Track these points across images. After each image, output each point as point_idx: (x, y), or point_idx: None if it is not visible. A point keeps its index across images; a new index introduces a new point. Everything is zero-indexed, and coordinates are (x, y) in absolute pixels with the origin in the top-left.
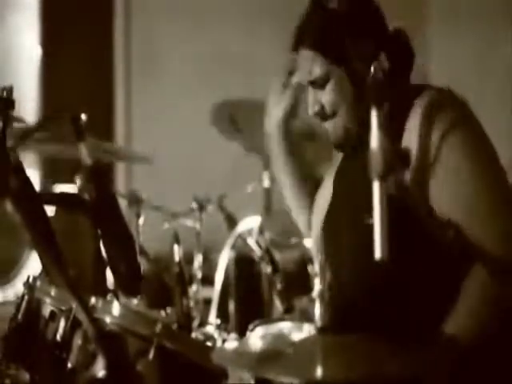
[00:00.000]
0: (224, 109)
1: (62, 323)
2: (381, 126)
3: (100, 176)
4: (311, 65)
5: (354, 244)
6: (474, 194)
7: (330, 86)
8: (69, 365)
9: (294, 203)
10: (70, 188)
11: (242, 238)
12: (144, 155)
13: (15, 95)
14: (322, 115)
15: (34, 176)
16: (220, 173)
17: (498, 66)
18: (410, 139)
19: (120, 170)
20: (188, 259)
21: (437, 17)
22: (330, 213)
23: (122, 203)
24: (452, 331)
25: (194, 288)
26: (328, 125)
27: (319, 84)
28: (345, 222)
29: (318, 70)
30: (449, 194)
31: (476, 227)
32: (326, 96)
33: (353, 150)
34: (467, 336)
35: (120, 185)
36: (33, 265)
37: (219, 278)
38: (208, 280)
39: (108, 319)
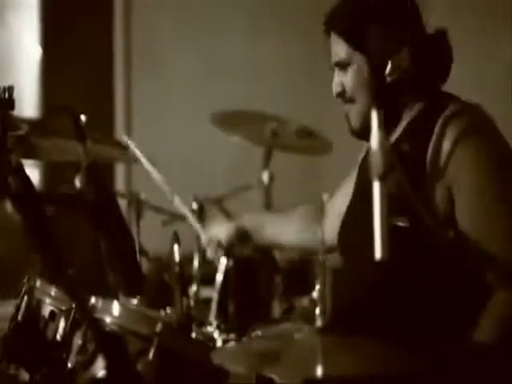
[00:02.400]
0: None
1: (62, 323)
2: (381, 125)
3: (99, 176)
4: (336, 47)
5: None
6: (484, 200)
7: (350, 71)
8: (69, 365)
9: None
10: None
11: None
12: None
13: (15, 95)
14: (343, 97)
15: (34, 176)
16: (220, 173)
17: (499, 64)
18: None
19: (120, 169)
20: (188, 259)
21: (437, 15)
22: (350, 207)
23: (122, 203)
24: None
25: (193, 288)
26: (347, 108)
27: (342, 66)
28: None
29: (341, 53)
30: (461, 201)
31: (483, 234)
32: (347, 79)
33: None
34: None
35: (120, 185)
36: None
37: (219, 278)
38: (208, 280)
39: (108, 319)
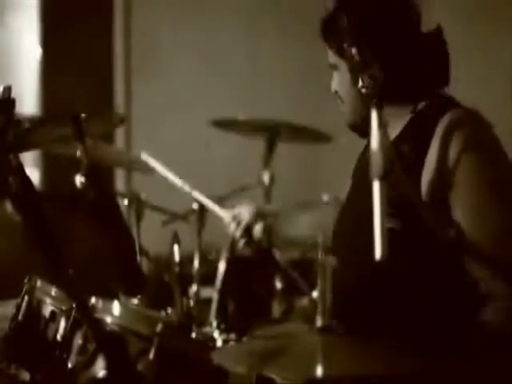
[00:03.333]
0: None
1: (62, 323)
2: (381, 125)
3: (99, 176)
4: (329, 50)
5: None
6: (488, 213)
7: (337, 74)
8: (69, 365)
9: None
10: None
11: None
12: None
13: (15, 95)
14: (337, 96)
15: (34, 176)
16: (220, 173)
17: (501, 61)
18: (432, 156)
19: (120, 169)
20: (188, 259)
21: (437, 10)
22: (345, 208)
23: (122, 203)
24: None
25: (193, 288)
26: (341, 106)
27: (333, 68)
28: (358, 219)
29: (331, 57)
30: (465, 212)
31: (488, 243)
32: (336, 81)
33: (364, 135)
34: None
35: (120, 185)
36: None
37: (219, 277)
38: (208, 280)
39: (108, 319)
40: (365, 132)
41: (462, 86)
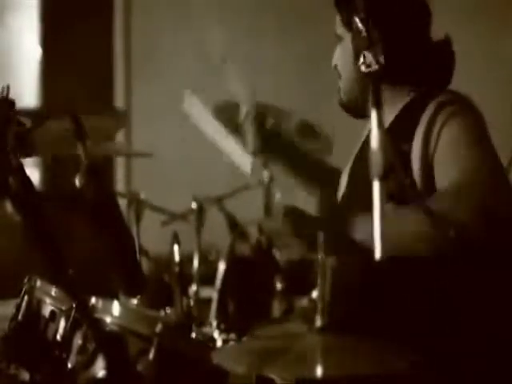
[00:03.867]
0: (224, 110)
1: (62, 323)
2: (381, 125)
3: (99, 176)
4: (337, 20)
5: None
6: (469, 168)
7: (340, 46)
8: (68, 365)
9: None
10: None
11: (242, 237)
12: (143, 151)
13: (15, 95)
14: (336, 70)
15: (34, 176)
16: (220, 173)
17: (501, 61)
18: (419, 138)
19: (120, 169)
20: (188, 259)
21: (437, 10)
22: (343, 201)
23: (122, 203)
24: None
25: (193, 288)
26: (339, 81)
27: (338, 39)
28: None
29: (338, 27)
30: (447, 169)
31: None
32: (337, 54)
33: (357, 115)
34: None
35: (120, 185)
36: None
37: (219, 277)
38: (208, 280)
39: (108, 319)
40: (357, 113)
41: (462, 86)
